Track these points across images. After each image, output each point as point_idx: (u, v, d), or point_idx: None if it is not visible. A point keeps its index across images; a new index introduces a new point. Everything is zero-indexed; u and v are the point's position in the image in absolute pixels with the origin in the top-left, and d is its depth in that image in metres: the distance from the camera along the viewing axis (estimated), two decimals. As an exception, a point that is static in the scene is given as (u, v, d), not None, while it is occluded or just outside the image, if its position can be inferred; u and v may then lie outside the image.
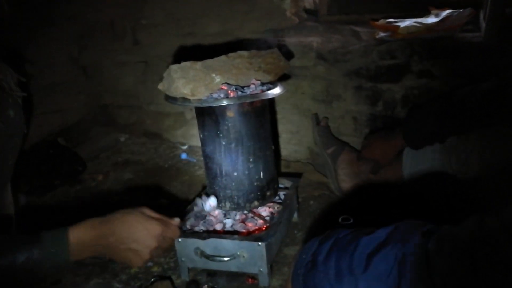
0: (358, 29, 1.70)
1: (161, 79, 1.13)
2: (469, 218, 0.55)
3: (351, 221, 1.27)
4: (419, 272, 0.57)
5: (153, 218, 0.93)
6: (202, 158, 1.81)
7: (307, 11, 1.86)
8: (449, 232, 0.56)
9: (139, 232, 0.90)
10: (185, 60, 1.10)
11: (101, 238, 0.88)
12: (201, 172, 1.76)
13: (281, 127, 1.77)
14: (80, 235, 0.86)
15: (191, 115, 1.94)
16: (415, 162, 1.33)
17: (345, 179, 1.50)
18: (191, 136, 1.97)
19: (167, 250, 1.05)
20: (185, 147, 1.98)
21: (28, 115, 1.32)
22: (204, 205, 1.16)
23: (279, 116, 1.76)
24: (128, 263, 0.92)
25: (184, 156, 1.89)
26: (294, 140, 1.78)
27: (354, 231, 0.68)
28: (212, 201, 1.16)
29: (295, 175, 1.53)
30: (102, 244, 0.88)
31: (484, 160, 1.08)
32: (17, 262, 0.80)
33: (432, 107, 1.19)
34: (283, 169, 1.72)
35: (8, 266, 0.80)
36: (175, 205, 1.53)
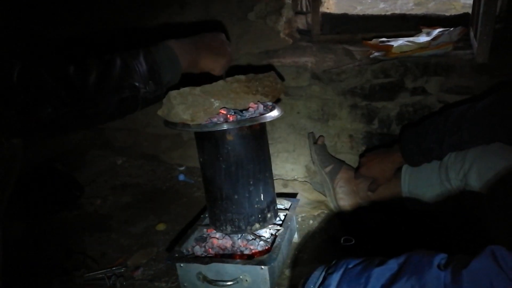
0: (351, 48, 1.73)
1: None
2: (482, 250, 0.56)
3: (353, 241, 1.27)
4: None
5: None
6: (200, 179, 1.82)
7: (300, 31, 1.89)
8: (465, 265, 0.56)
9: (222, 46, 1.10)
10: (181, 83, 1.10)
11: (195, 44, 1.04)
12: (200, 193, 1.76)
13: (278, 146, 1.78)
14: (179, 45, 0.98)
15: (188, 136, 1.94)
16: (413, 179, 1.34)
17: (343, 197, 1.50)
18: (189, 157, 1.97)
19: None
20: (182, 168, 1.98)
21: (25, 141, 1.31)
22: None
23: (275, 135, 1.77)
24: (211, 69, 1.09)
25: (181, 177, 1.88)
26: (291, 158, 1.79)
27: (364, 261, 0.68)
28: None
29: (291, 195, 1.54)
30: (197, 48, 1.03)
31: (483, 177, 1.09)
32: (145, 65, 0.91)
33: (430, 123, 1.19)
34: (281, 188, 1.72)
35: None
36: (174, 227, 1.53)
